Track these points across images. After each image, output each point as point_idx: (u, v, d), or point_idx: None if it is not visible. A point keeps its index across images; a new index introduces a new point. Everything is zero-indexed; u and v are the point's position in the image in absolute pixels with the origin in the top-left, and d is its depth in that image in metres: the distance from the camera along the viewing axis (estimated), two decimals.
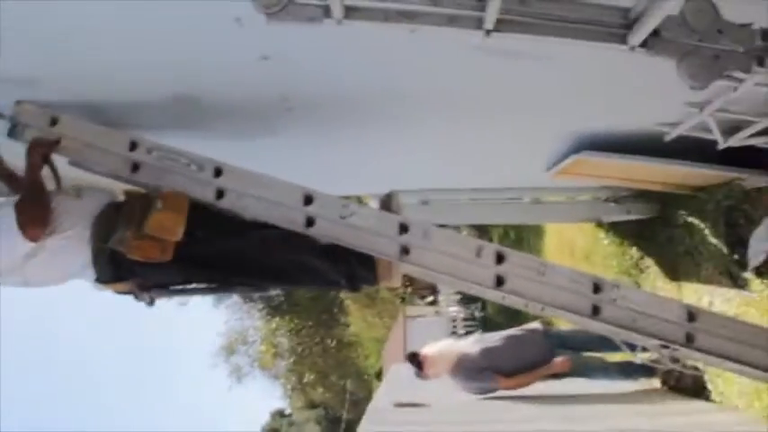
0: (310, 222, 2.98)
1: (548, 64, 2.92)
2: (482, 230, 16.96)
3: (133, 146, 3.13)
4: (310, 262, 3.15)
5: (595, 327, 3.08)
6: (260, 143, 4.00)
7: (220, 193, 3.05)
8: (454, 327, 22.53)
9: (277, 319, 28.14)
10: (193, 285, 3.37)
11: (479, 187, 6.16)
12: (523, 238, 13.93)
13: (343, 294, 26.64)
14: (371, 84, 3.26)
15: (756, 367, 3.15)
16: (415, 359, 5.69)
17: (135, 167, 3.12)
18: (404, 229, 2.96)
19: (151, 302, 3.27)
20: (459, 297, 24.20)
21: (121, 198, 3.21)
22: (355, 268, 3.13)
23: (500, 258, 2.95)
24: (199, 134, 3.66)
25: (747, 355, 3.13)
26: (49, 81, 3.07)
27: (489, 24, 2.15)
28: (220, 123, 3.66)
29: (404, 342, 24.41)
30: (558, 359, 5.70)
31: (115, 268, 3.11)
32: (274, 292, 20.61)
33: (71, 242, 3.08)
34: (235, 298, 27.13)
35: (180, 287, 3.35)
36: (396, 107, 3.65)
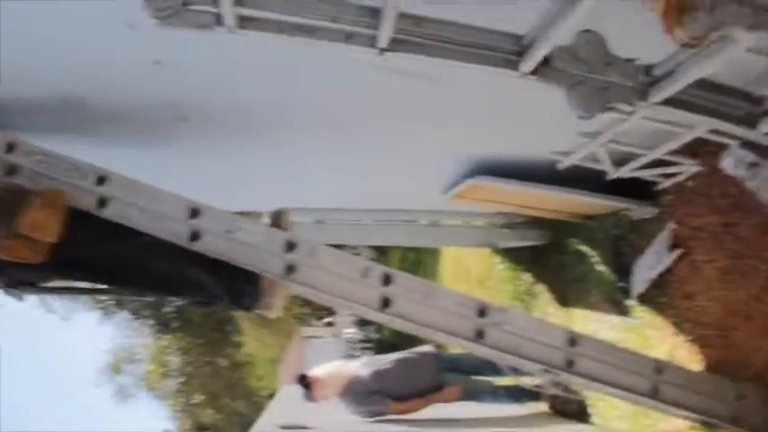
0: (195, 236, 2.88)
1: (443, 86, 2.93)
2: (381, 252, 17.00)
3: (10, 147, 2.96)
4: (193, 274, 3.03)
5: (479, 351, 3.08)
6: (153, 153, 3.86)
7: (103, 202, 2.92)
8: (351, 348, 22.41)
9: (167, 336, 27.31)
10: (68, 285, 3.20)
11: (376, 208, 6.13)
12: (422, 261, 14.01)
13: (238, 313, 26.16)
14: (266, 97, 3.20)
15: (633, 392, 3.24)
16: (304, 381, 5.57)
17: (11, 170, 2.95)
18: (291, 246, 2.91)
19: (20, 298, 3.07)
20: (355, 318, 24.13)
21: None
22: (239, 284, 3.03)
23: (387, 280, 2.93)
24: (89, 140, 3.49)
25: (624, 379, 3.22)
26: None
27: (383, 43, 2.13)
28: (110, 130, 3.51)
29: (299, 363, 24.12)
30: (449, 388, 5.71)
31: None
32: (163, 300, 20.11)
33: None
34: (124, 314, 26.20)
35: (53, 286, 3.17)
36: (290, 122, 3.60)
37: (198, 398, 27.97)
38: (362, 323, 23.44)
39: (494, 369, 5.50)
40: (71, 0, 2.28)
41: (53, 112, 3.31)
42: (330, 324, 27.66)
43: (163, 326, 26.97)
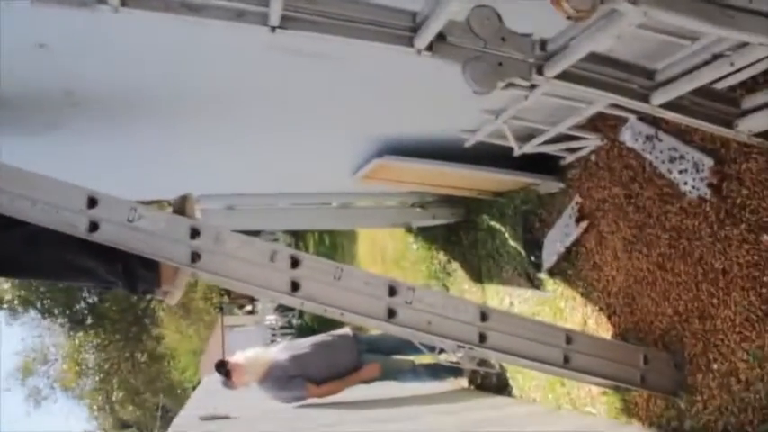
0: (94, 227, 2.77)
1: (343, 66, 2.91)
2: (297, 237, 16.90)
3: None
4: (82, 261, 2.93)
5: (392, 329, 3.10)
6: (47, 141, 3.70)
7: None
8: (273, 335, 22.26)
9: (81, 334, 26.50)
10: None
11: (287, 192, 6.06)
12: (338, 244, 13.98)
13: (156, 304, 25.61)
14: (160, 81, 3.12)
15: (545, 362, 3.32)
16: (223, 368, 5.51)
17: None
18: (195, 233, 2.84)
19: None
20: (276, 305, 23.99)
21: None
22: (135, 269, 2.94)
23: (295, 263, 2.90)
24: None
25: (537, 350, 3.29)
26: None
27: (275, 21, 2.09)
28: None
29: (222, 353, 23.83)
30: (368, 366, 5.74)
31: None
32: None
33: None
34: (32, 314, 25.27)
35: None
36: (188, 107, 3.51)
37: (118, 395, 27.34)
38: (282, 309, 23.32)
39: (413, 348, 5.55)
40: None
41: None
42: (251, 312, 27.45)
43: (76, 323, 26.18)
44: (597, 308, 4.30)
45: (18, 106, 3.29)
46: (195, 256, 2.81)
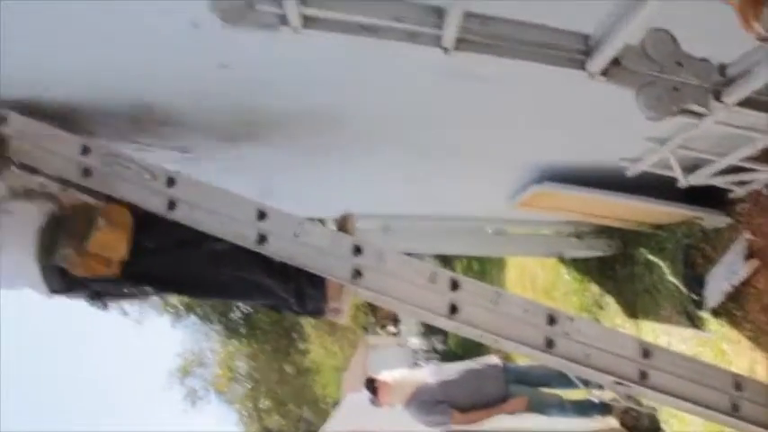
0: (262, 239, 2.88)
1: (508, 90, 2.90)
2: (446, 261, 16.91)
3: (85, 150, 3.02)
4: (260, 279, 3.06)
5: (548, 360, 3.02)
6: (219, 157, 3.91)
7: (172, 204, 2.94)
8: (416, 358, 22.34)
9: (235, 342, 27.72)
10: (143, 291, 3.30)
11: (442, 215, 6.10)
12: (486, 270, 13.92)
13: (304, 320, 26.34)
14: (330, 103, 3.21)
15: (710, 408, 3.12)
16: (371, 385, 5.58)
17: (86, 172, 3.00)
18: (357, 250, 2.88)
19: (104, 307, 3.18)
20: (421, 328, 24.06)
21: (62, 209, 3.09)
22: (305, 288, 3.04)
23: (455, 285, 2.88)
24: (157, 144, 3.57)
25: (701, 395, 3.09)
26: (2, 76, 2.96)
27: (449, 43, 2.11)
28: (176, 134, 3.57)
29: (363, 372, 24.12)
30: (515, 399, 5.64)
31: (64, 281, 3.00)
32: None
33: (15, 260, 2.99)
34: (193, 318, 26.70)
35: (129, 292, 3.27)
36: (355, 128, 3.60)
37: (265, 403, 28.30)
38: (428, 332, 23.35)
39: (562, 381, 5.41)
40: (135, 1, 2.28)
41: (121, 117, 3.39)
42: (394, 333, 27.68)
43: (231, 331, 27.42)
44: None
45: (192, 124, 3.51)
46: (357, 274, 2.85)
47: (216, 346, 28.79)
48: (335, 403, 27.97)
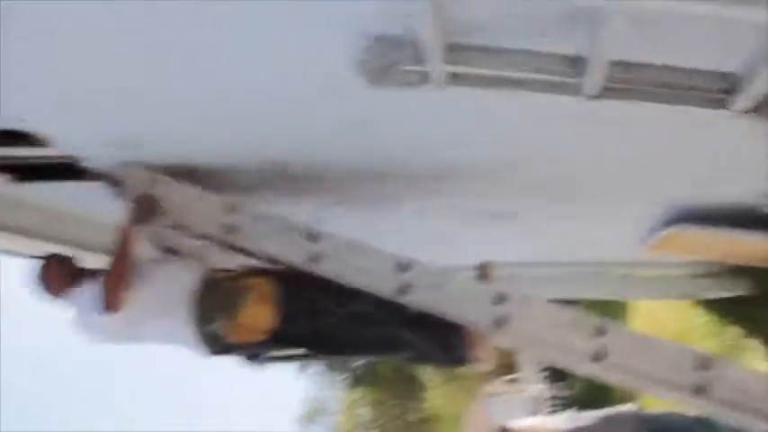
0: (404, 290, 2.95)
1: (644, 131, 2.87)
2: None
3: (230, 209, 3.21)
4: (403, 333, 3.14)
5: (700, 407, 2.93)
6: (353, 211, 4.03)
7: (315, 258, 3.07)
8: (537, 406, 21.81)
9: (359, 389, 27.88)
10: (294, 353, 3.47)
11: (569, 261, 6.02)
12: (608, 315, 13.50)
13: (426, 368, 26.25)
14: (463, 152, 3.25)
15: None
16: None
17: (231, 230, 3.19)
18: (500, 298, 2.90)
19: (261, 366, 3.38)
20: (544, 375, 23.52)
21: (209, 273, 3.30)
22: (448, 338, 3.08)
23: (600, 331, 2.85)
24: (294, 200, 3.72)
25: None
26: (151, 144, 3.20)
27: (592, 91, 2.13)
28: (315, 190, 3.71)
29: (483, 421, 23.64)
30: None
31: (221, 345, 3.22)
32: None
33: (173, 322, 3.19)
34: (319, 366, 27.06)
35: (281, 355, 3.45)
36: (485, 177, 3.64)
37: None
38: (551, 379, 22.80)
39: (703, 429, 5.17)
40: (279, 60, 2.37)
41: (256, 174, 3.55)
42: (513, 381, 27.18)
43: (354, 379, 27.61)
44: None
45: (325, 180, 3.64)
46: (500, 321, 2.87)
47: (339, 393, 29.03)
48: None
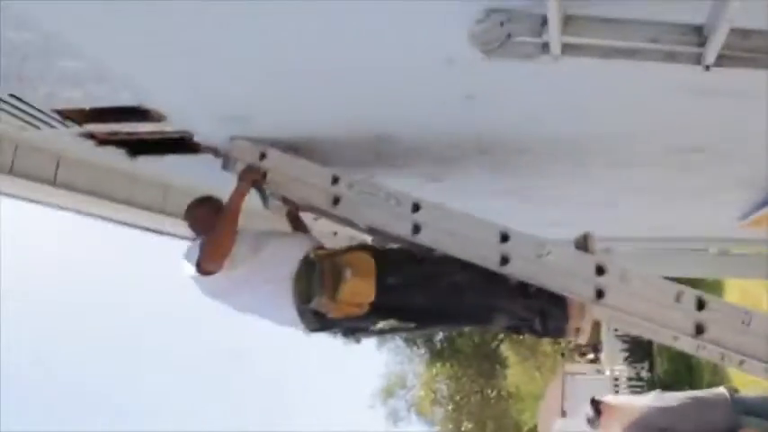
0: (505, 260, 2.99)
1: (759, 104, 2.80)
2: None
3: (335, 180, 3.31)
4: (502, 303, 3.18)
5: None
6: (452, 183, 4.08)
7: (417, 228, 3.14)
8: (616, 386, 21.55)
9: (438, 364, 28.04)
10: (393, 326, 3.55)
11: (665, 236, 5.92)
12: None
13: (504, 345, 26.25)
14: (569, 127, 3.24)
15: None
16: (596, 405, 5.49)
17: (336, 201, 3.29)
18: (600, 270, 2.91)
19: (358, 341, 3.46)
20: (625, 355, 23.16)
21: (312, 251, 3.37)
22: (547, 307, 3.11)
23: (701, 305, 2.83)
24: (394, 172, 3.79)
25: None
26: (260, 118, 3.32)
27: (710, 59, 2.09)
28: (415, 162, 3.77)
29: (561, 399, 23.58)
30: (744, 428, 5.32)
31: (320, 321, 3.32)
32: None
33: (276, 300, 3.31)
34: (398, 341, 27.32)
35: (378, 329, 3.53)
36: (589, 151, 3.63)
37: (466, 426, 28.35)
38: (632, 360, 22.45)
39: None
40: (390, 37, 2.40)
41: (364, 148, 3.65)
42: (593, 361, 26.85)
43: (434, 354, 27.79)
44: None
45: (429, 153, 3.69)
46: (600, 293, 2.88)
47: (419, 368, 29.28)
48: (531, 430, 27.59)
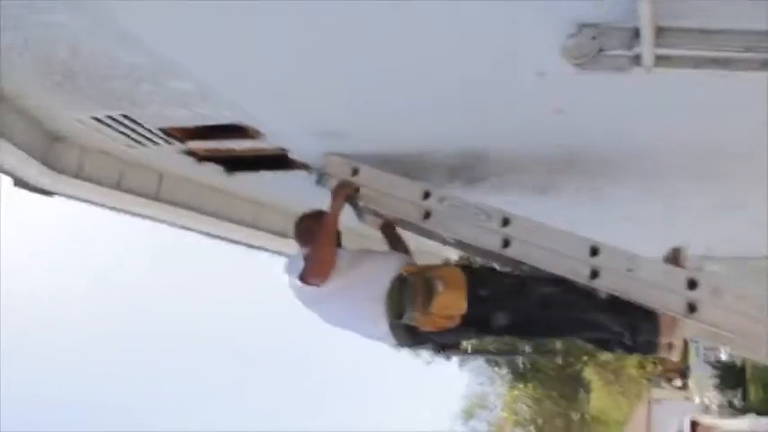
0: (595, 274, 3.00)
1: None
2: None
3: (426, 195, 3.38)
4: (590, 316, 3.15)
5: None
6: (540, 198, 4.09)
7: (506, 242, 3.19)
8: (705, 413, 20.80)
9: (520, 386, 27.64)
10: (481, 347, 3.56)
11: (757, 254, 5.74)
12: None
13: (588, 368, 25.66)
14: (662, 138, 3.21)
15: None
16: (694, 427, 5.41)
17: (426, 215, 3.37)
18: (692, 284, 2.89)
19: (448, 358, 3.50)
20: (715, 382, 22.32)
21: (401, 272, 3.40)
22: (637, 321, 3.08)
23: None
24: (483, 186, 3.84)
25: None
26: (353, 134, 3.42)
27: None
28: (503, 176, 3.80)
29: (647, 426, 22.92)
30: None
31: (412, 336, 3.36)
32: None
33: (368, 315, 3.37)
34: (480, 362, 27.06)
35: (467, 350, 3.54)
36: (674, 165, 3.59)
37: None
38: (723, 386, 21.62)
39: None
40: (482, 51, 2.45)
41: (452, 162, 3.71)
42: (681, 387, 26.00)
43: (516, 375, 27.41)
44: None
45: (519, 167, 3.72)
46: (692, 307, 2.85)
47: (501, 390, 28.93)
48: None
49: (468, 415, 29.34)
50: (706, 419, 5.18)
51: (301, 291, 3.39)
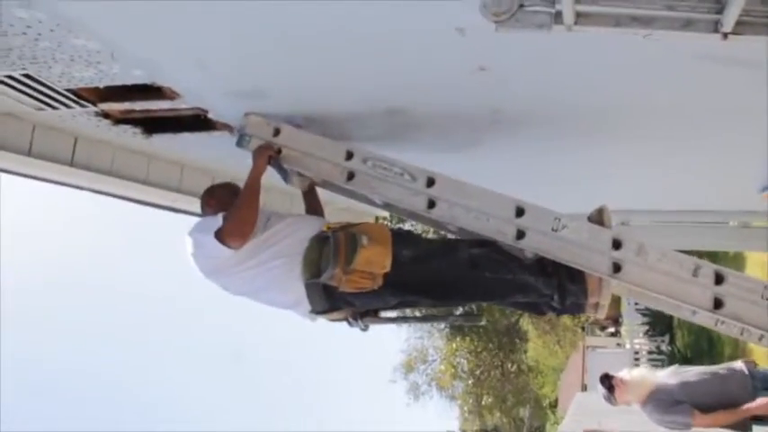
0: (521, 235, 2.98)
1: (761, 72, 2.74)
2: None
3: (349, 155, 3.30)
4: (520, 278, 3.10)
5: None
6: (464, 156, 4.05)
7: (431, 203, 3.12)
8: (636, 360, 21.49)
9: (458, 339, 28.10)
10: (402, 313, 3.47)
11: (684, 209, 5.87)
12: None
13: (523, 319, 26.19)
14: (586, 95, 3.18)
15: None
16: (607, 382, 5.51)
17: (350, 176, 3.28)
18: (616, 244, 2.89)
19: (365, 328, 3.36)
20: (645, 329, 23.11)
21: (321, 231, 3.28)
22: (565, 283, 3.07)
23: (719, 279, 2.81)
24: (406, 146, 3.76)
25: None
26: (273, 94, 3.31)
27: (728, 27, 2.04)
28: (427, 135, 3.75)
29: (582, 373, 23.61)
30: (761, 399, 5.30)
31: (329, 300, 3.20)
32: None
33: (281, 277, 3.21)
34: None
35: (390, 315, 3.44)
36: (601, 123, 3.58)
37: (487, 400, 28.50)
38: (652, 333, 22.38)
39: None
40: (401, 7, 2.35)
41: (375, 122, 3.62)
42: (613, 334, 26.82)
43: (454, 329, 27.84)
44: None
45: (442, 125, 3.67)
46: (616, 267, 2.86)
47: (439, 343, 29.38)
48: (552, 404, 27.71)
49: (408, 369, 29.79)
50: (622, 373, 5.29)
51: (209, 255, 3.16)
